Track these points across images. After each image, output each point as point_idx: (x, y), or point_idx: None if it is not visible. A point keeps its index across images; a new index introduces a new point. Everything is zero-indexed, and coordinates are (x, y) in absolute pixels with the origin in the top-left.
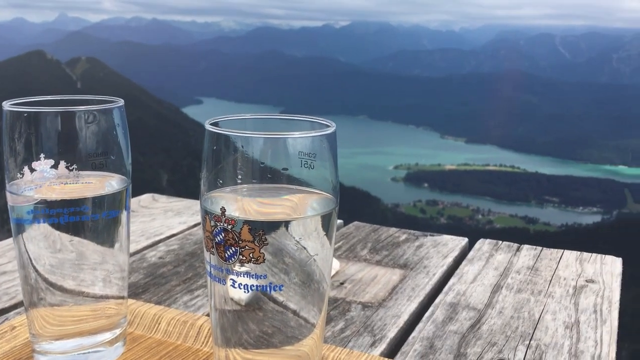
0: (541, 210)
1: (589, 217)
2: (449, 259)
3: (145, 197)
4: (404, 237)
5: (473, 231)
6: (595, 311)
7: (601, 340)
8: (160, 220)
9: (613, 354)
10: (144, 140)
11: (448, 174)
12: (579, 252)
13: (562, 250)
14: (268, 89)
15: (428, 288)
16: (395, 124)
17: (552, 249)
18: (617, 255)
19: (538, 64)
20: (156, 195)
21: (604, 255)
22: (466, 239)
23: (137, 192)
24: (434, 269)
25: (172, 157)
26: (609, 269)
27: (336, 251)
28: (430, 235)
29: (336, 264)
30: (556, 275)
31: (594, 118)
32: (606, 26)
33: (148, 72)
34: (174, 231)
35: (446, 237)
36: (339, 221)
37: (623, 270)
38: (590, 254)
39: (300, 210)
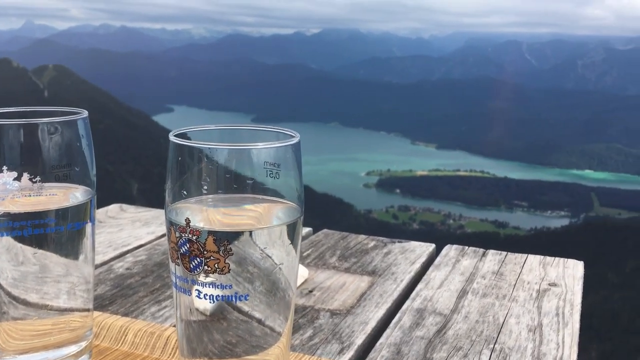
0: (511, 215)
1: (557, 221)
2: (417, 265)
3: (113, 208)
4: (372, 244)
5: (445, 236)
6: (557, 314)
7: (563, 342)
8: (128, 230)
9: (574, 356)
10: (114, 149)
11: (419, 180)
12: (542, 257)
13: (526, 255)
14: (239, 96)
15: (396, 294)
16: (366, 130)
17: (516, 254)
18: (581, 259)
19: (506, 70)
20: (124, 206)
21: (566, 259)
22: (433, 245)
23: (106, 202)
24: (401, 275)
25: (143, 166)
26: (571, 272)
27: (305, 259)
28: (399, 241)
29: (305, 272)
30: (520, 280)
31: (561, 123)
32: (571, 33)
33: (117, 80)
34: (142, 242)
35: (414, 244)
36: (308, 229)
37: (592, 272)
38: (553, 258)
39: (266, 220)
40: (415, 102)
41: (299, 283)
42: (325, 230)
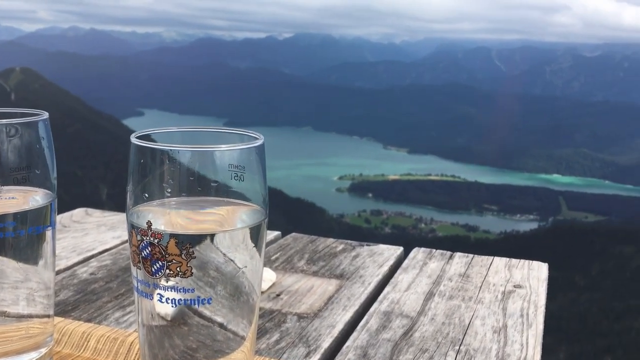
0: (481, 219)
1: (525, 225)
2: (385, 268)
3: (78, 212)
4: (341, 247)
5: (416, 240)
6: (522, 315)
7: (527, 343)
8: (93, 235)
9: (538, 356)
10: (83, 153)
11: (391, 184)
12: (508, 259)
13: (492, 257)
14: (211, 100)
15: (363, 297)
16: (339, 135)
17: (483, 256)
18: (549, 262)
19: (476, 76)
20: (90, 210)
21: (531, 261)
22: (401, 248)
23: (75, 207)
24: (369, 278)
25: (113, 171)
26: (535, 274)
27: (273, 263)
28: (367, 245)
29: (272, 276)
30: (486, 282)
31: (529, 128)
32: (539, 40)
33: (87, 83)
34: (107, 246)
35: (382, 247)
36: (277, 232)
37: (559, 275)
38: (518, 260)
39: (229, 223)
40: (387, 107)
41: (266, 287)
42: (294, 234)
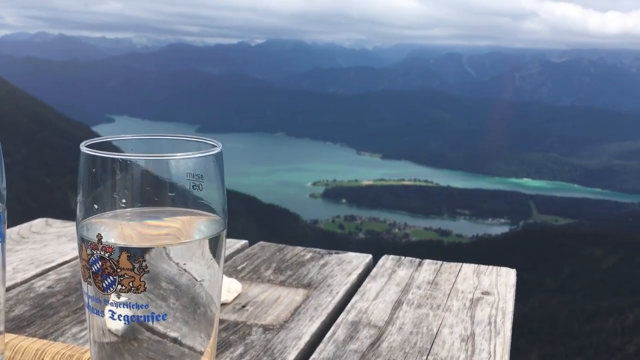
0: (454, 223)
1: (497, 228)
2: (353, 277)
3: (38, 222)
4: (309, 255)
5: (390, 245)
6: (489, 323)
7: (494, 352)
8: (53, 246)
9: None
10: (52, 161)
11: (365, 190)
12: (476, 265)
13: (461, 264)
14: (183, 106)
15: (331, 307)
16: (312, 140)
17: (452, 263)
18: (520, 265)
19: (447, 81)
20: (50, 220)
21: (499, 267)
22: (370, 256)
23: (44, 215)
24: (337, 287)
25: None
26: (503, 280)
27: (239, 273)
28: (336, 253)
29: (238, 287)
30: (454, 289)
31: (500, 133)
32: (508, 46)
33: (55, 90)
34: (67, 258)
35: (351, 255)
36: (244, 241)
37: (530, 278)
38: (487, 266)
39: (186, 234)
40: (360, 112)
41: (231, 298)
42: (261, 242)
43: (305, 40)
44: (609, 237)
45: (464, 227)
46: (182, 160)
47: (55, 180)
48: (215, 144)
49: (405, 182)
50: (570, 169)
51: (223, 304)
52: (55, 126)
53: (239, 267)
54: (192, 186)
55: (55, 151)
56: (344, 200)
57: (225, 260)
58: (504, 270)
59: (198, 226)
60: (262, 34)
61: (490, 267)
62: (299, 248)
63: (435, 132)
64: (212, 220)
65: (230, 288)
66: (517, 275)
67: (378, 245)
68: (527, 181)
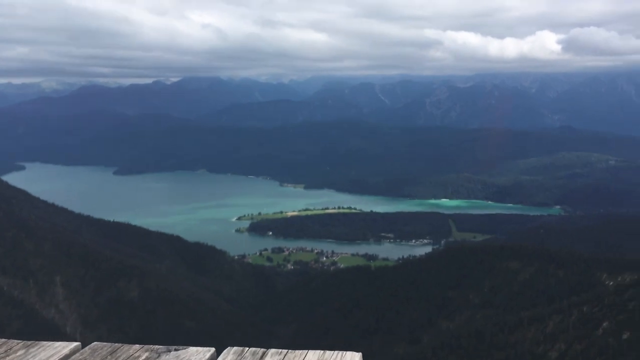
0: (379, 247)
1: (421, 249)
2: None
3: None
4: (145, 355)
5: (320, 274)
6: None
7: None
8: None
9: None
10: None
11: (291, 221)
12: (321, 352)
13: (307, 351)
14: (99, 149)
15: None
16: (235, 175)
17: (297, 351)
18: (444, 283)
19: (362, 110)
20: None
21: (344, 353)
22: (212, 350)
23: None
24: None
25: None
26: None
27: None
28: (175, 349)
29: None
30: None
31: (415, 158)
32: (417, 74)
33: None
34: None
35: (191, 350)
36: (76, 343)
37: (456, 295)
38: (332, 352)
39: None
40: (281, 145)
41: None
42: (94, 344)
43: (221, 76)
44: (523, 250)
45: (390, 250)
46: None
47: None
48: None
49: (330, 210)
50: (482, 187)
51: None
52: None
53: None
54: None
55: None
56: (270, 233)
57: None
58: (349, 354)
59: None
60: (177, 72)
61: (336, 352)
62: (136, 347)
63: (354, 159)
64: None
65: None
66: (441, 293)
67: (308, 275)
68: (445, 201)
